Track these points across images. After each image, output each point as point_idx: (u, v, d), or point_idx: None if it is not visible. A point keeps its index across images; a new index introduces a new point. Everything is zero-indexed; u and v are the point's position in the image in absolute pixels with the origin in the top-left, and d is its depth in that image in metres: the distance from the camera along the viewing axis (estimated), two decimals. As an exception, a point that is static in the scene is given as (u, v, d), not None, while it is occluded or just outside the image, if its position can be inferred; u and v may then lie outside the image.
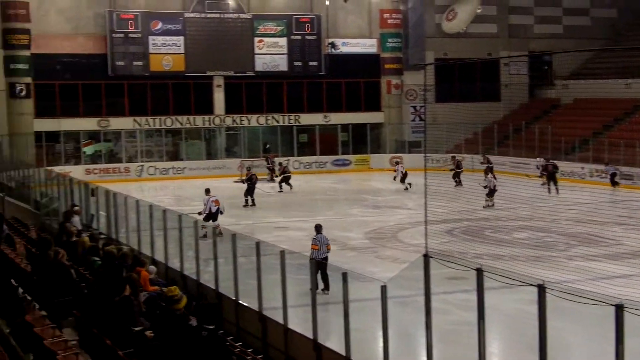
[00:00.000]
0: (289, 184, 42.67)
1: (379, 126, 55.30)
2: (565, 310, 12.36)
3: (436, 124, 50.31)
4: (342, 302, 14.48)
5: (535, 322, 11.27)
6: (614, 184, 41.67)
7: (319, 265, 18.78)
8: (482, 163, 42.51)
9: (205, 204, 29.42)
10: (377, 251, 27.25)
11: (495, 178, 36.28)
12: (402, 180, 41.77)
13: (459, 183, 42.17)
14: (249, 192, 37.10)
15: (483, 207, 34.46)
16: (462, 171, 43.09)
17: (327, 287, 19.04)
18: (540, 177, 41.31)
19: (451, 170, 42.87)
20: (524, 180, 37.77)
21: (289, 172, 43.66)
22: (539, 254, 25.11)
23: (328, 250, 20.80)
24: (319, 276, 18.57)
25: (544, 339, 11.23)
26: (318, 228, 21.64)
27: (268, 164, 47.31)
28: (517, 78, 57.63)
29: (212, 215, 28.91)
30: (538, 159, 43.58)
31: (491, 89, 57.97)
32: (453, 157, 44.48)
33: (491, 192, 35.13)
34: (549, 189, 38.53)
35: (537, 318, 11.23)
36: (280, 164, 45.95)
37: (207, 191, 30.20)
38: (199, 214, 28.48)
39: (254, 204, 36.98)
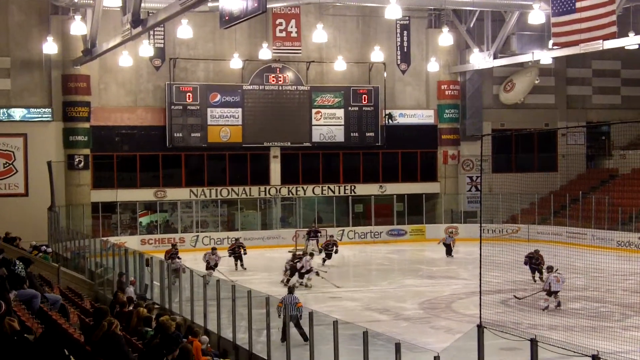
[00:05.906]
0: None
1: (434, 196, 55.09)
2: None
3: (492, 194, 50.12)
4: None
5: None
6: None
7: (292, 319, 20.69)
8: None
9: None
10: (431, 321, 27.16)
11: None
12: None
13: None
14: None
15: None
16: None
17: (305, 338, 19.60)
18: None
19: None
20: (578, 249, 37.40)
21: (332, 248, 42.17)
22: (594, 325, 24.86)
23: (298, 307, 22.08)
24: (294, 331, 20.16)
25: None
26: (291, 290, 23.78)
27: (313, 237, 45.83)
28: (575, 148, 57.30)
29: None
30: None
31: (548, 160, 57.72)
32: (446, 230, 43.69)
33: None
34: None
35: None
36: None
37: None
38: None
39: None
